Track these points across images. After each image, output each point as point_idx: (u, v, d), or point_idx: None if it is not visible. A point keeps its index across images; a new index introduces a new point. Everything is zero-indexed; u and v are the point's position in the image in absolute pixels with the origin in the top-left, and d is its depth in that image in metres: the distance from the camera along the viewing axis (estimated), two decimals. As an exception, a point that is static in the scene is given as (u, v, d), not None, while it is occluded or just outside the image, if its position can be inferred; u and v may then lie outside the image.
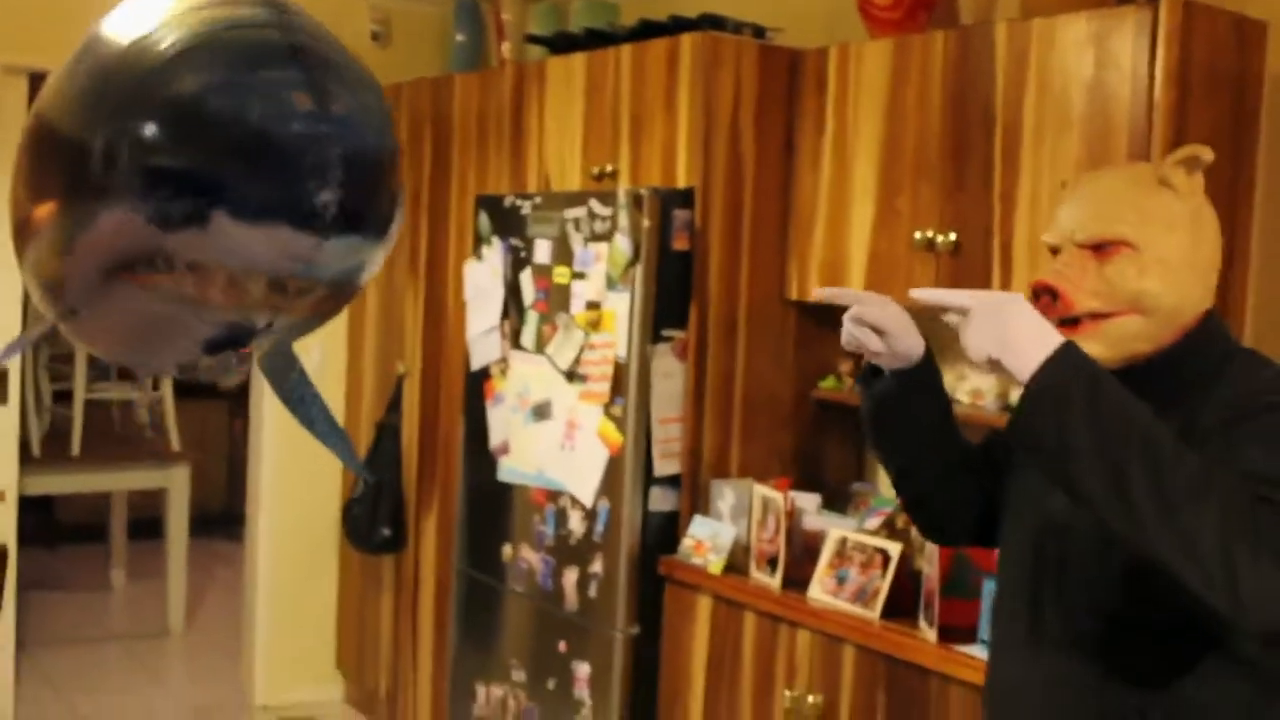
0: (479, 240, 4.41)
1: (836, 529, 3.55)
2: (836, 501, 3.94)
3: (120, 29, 1.38)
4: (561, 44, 4.44)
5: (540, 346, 4.09)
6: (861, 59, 3.69)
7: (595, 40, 4.26)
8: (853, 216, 3.71)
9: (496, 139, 4.63)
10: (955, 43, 3.44)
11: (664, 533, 3.84)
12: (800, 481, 3.92)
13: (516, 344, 4.20)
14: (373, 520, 5.07)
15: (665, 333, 3.82)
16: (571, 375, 3.97)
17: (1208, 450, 1.67)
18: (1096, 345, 1.86)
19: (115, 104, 1.29)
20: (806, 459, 4.08)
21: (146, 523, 7.44)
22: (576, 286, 3.96)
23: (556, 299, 4.05)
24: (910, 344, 2.02)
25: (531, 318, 4.14)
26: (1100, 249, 1.87)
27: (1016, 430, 1.65)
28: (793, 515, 3.62)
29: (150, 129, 1.25)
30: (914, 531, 3.43)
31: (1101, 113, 3.10)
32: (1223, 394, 1.81)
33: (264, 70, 1.26)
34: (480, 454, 4.39)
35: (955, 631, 3.11)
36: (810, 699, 3.35)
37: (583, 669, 3.91)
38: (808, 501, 3.74)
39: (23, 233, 1.54)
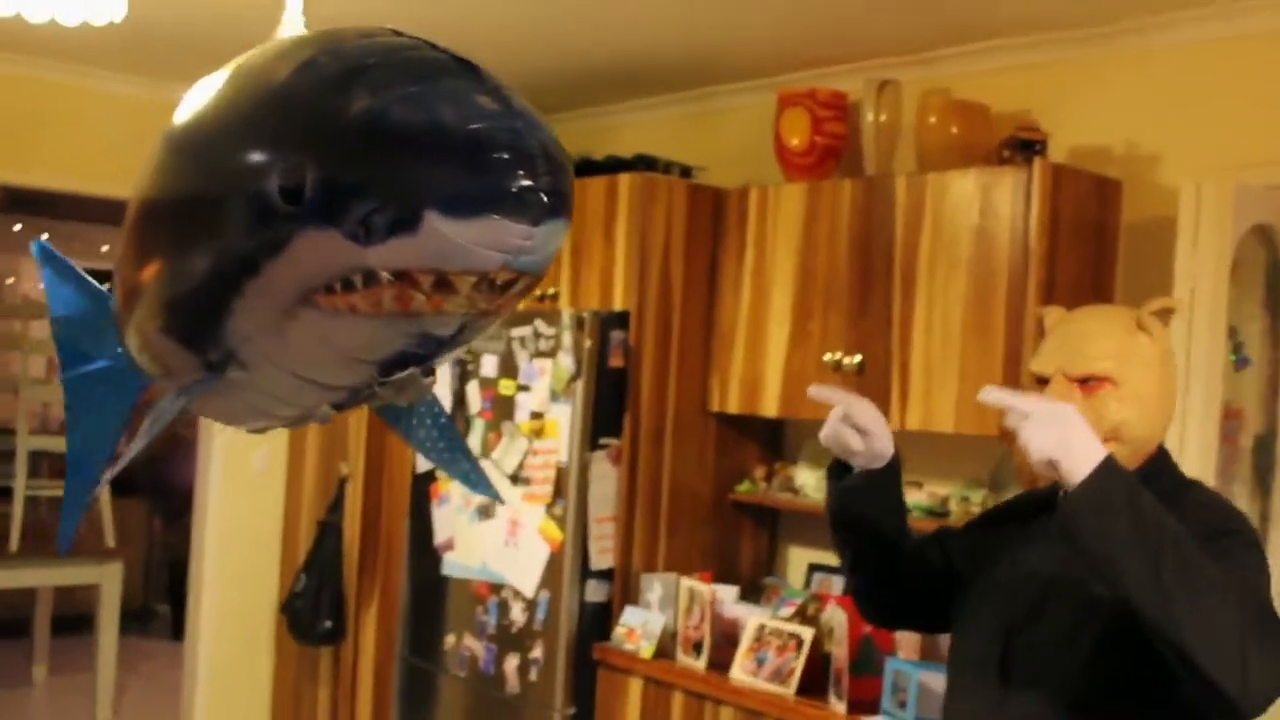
0: (426, 353, 4.81)
1: (754, 617, 3.98)
2: (750, 593, 4.37)
3: (261, 68, 1.41)
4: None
5: (486, 452, 4.49)
6: (779, 199, 4.20)
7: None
8: (769, 338, 4.19)
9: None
10: (861, 190, 3.96)
11: (598, 621, 4.25)
12: (719, 574, 4.35)
13: (462, 449, 4.60)
14: (315, 613, 5.38)
15: (602, 440, 4.25)
16: (515, 478, 4.37)
17: None
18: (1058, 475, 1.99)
19: (288, 133, 1.31)
20: (724, 554, 4.52)
21: (68, 619, 7.61)
22: (521, 398, 4.38)
23: (501, 409, 4.46)
24: (884, 445, 2.18)
25: (478, 425, 4.55)
26: (1086, 382, 2.05)
27: (1067, 522, 1.81)
28: (714, 605, 4.05)
29: (339, 148, 1.26)
30: (824, 617, 3.88)
31: (986, 255, 3.62)
32: (1199, 513, 1.97)
33: (439, 80, 1.28)
34: (424, 550, 4.76)
35: (862, 704, 3.54)
36: (734, 768, 3.76)
37: (523, 747, 4.27)
38: (727, 593, 4.17)
39: (139, 295, 1.56)
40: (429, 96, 1.24)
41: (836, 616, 3.68)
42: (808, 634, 3.79)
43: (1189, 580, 1.74)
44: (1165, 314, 2.14)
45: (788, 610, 4.05)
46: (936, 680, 3.45)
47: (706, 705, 3.88)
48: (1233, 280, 3.37)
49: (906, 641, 3.65)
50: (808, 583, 4.47)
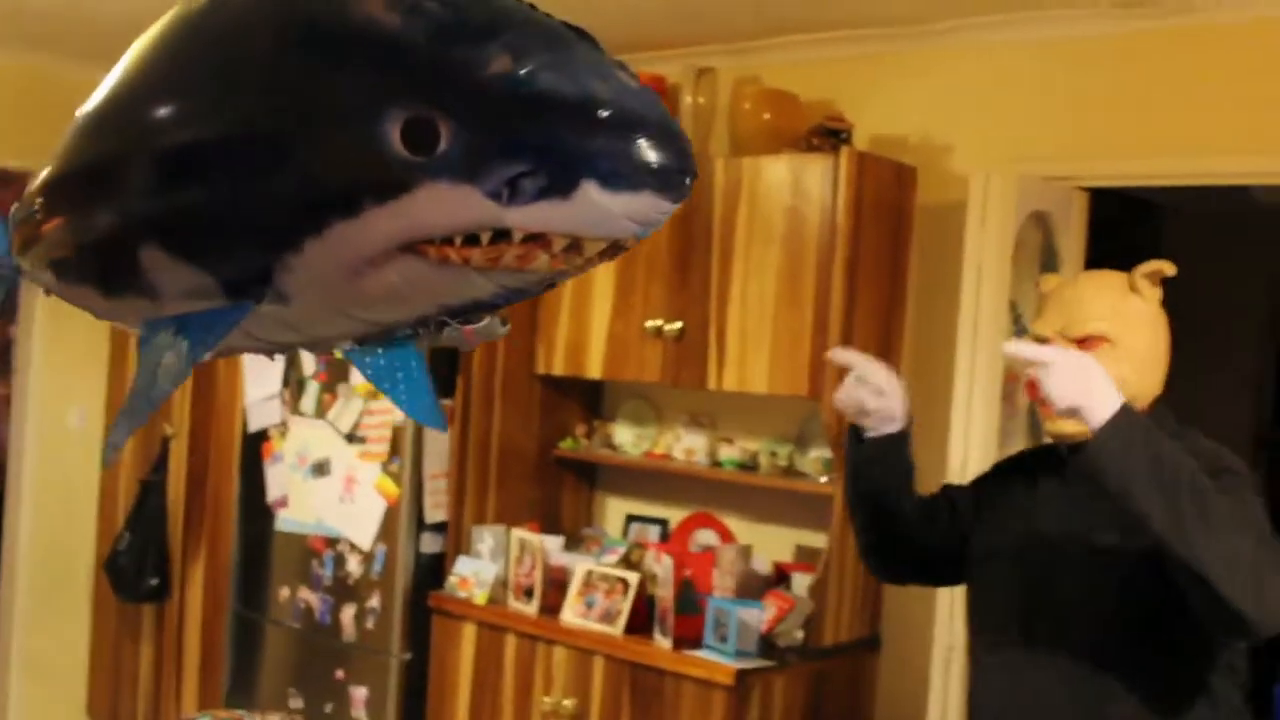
0: (256, 316, 4.97)
1: (582, 563, 4.30)
2: (573, 542, 4.68)
3: (366, 9, 1.33)
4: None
5: (321, 412, 4.69)
6: (603, 177, 4.48)
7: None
8: (594, 306, 4.49)
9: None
10: (681, 170, 4.28)
11: (433, 571, 4.51)
12: (544, 526, 4.65)
13: (296, 410, 4.79)
14: (139, 570, 5.48)
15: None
16: (351, 437, 4.59)
17: None
18: (1074, 422, 2.10)
19: (411, 79, 1.27)
20: (548, 506, 4.82)
21: None
22: (356, 360, 4.58)
23: (336, 370, 4.66)
24: (897, 405, 2.32)
25: (311, 387, 4.74)
26: (1084, 342, 2.17)
27: (1090, 463, 1.92)
28: (544, 554, 4.35)
29: (483, 105, 1.24)
30: (647, 560, 4.23)
31: (797, 232, 3.99)
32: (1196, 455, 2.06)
33: (573, 48, 1.28)
34: (256, 507, 4.93)
35: (685, 640, 3.90)
36: (566, 702, 4.07)
37: (360, 692, 4.51)
38: (553, 543, 4.48)
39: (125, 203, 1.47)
40: (572, 66, 1.25)
41: (661, 561, 4.02)
42: (634, 578, 4.12)
43: (1206, 513, 1.86)
44: (1156, 275, 2.22)
45: (611, 557, 4.38)
46: (752, 615, 3.83)
47: (539, 646, 4.18)
48: (1014, 260, 3.82)
49: (723, 583, 4.01)
50: (625, 532, 4.81)
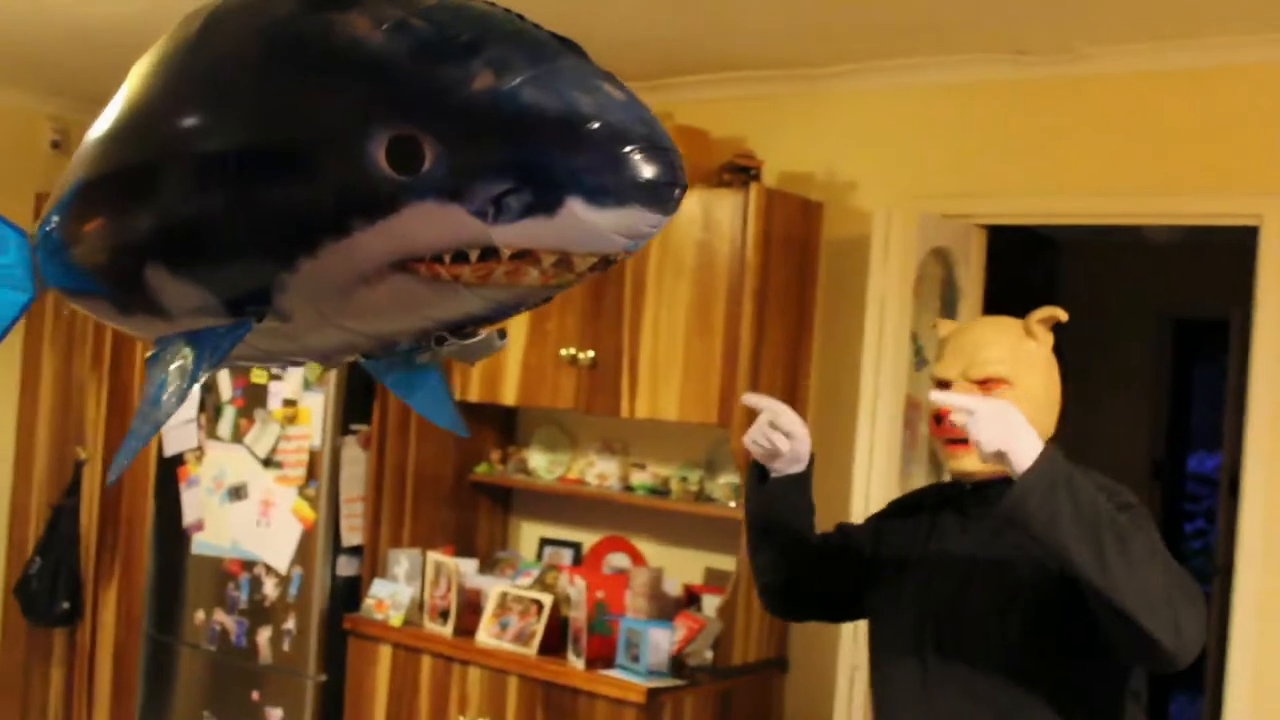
0: (174, 341, 5.01)
1: (497, 585, 4.39)
2: (487, 565, 4.77)
3: (329, 21, 1.34)
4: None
5: (238, 437, 4.74)
6: (519, 208, 4.59)
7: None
8: (509, 335, 4.58)
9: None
10: (596, 203, 4.40)
11: (349, 594, 4.57)
12: (459, 549, 4.74)
13: (213, 434, 4.83)
14: (51, 594, 5.48)
15: (353, 426, 4.57)
16: (268, 462, 4.64)
17: None
18: (976, 460, 2.17)
19: (395, 99, 1.27)
20: (463, 530, 4.91)
21: None
22: (274, 386, 4.65)
23: (253, 396, 4.71)
24: (805, 448, 2.37)
25: (229, 411, 4.79)
26: (985, 383, 2.23)
27: (1015, 507, 1.95)
28: (459, 576, 4.43)
29: (466, 124, 1.24)
30: (560, 583, 4.32)
31: (708, 265, 4.13)
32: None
33: (556, 61, 1.27)
34: (171, 531, 4.96)
35: (598, 661, 4.00)
36: (480, 722, 4.16)
37: (275, 714, 4.56)
38: (468, 565, 4.56)
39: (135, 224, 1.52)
40: (556, 80, 1.24)
41: (575, 584, 4.12)
42: (547, 599, 4.22)
43: (1126, 550, 1.92)
44: (1049, 321, 2.29)
45: (526, 580, 4.48)
46: (663, 636, 3.95)
47: (454, 667, 4.26)
48: (915, 294, 3.98)
49: (635, 604, 4.12)
50: (539, 555, 4.90)
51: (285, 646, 4.57)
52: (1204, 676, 5.98)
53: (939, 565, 2.30)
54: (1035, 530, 1.95)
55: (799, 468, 2.40)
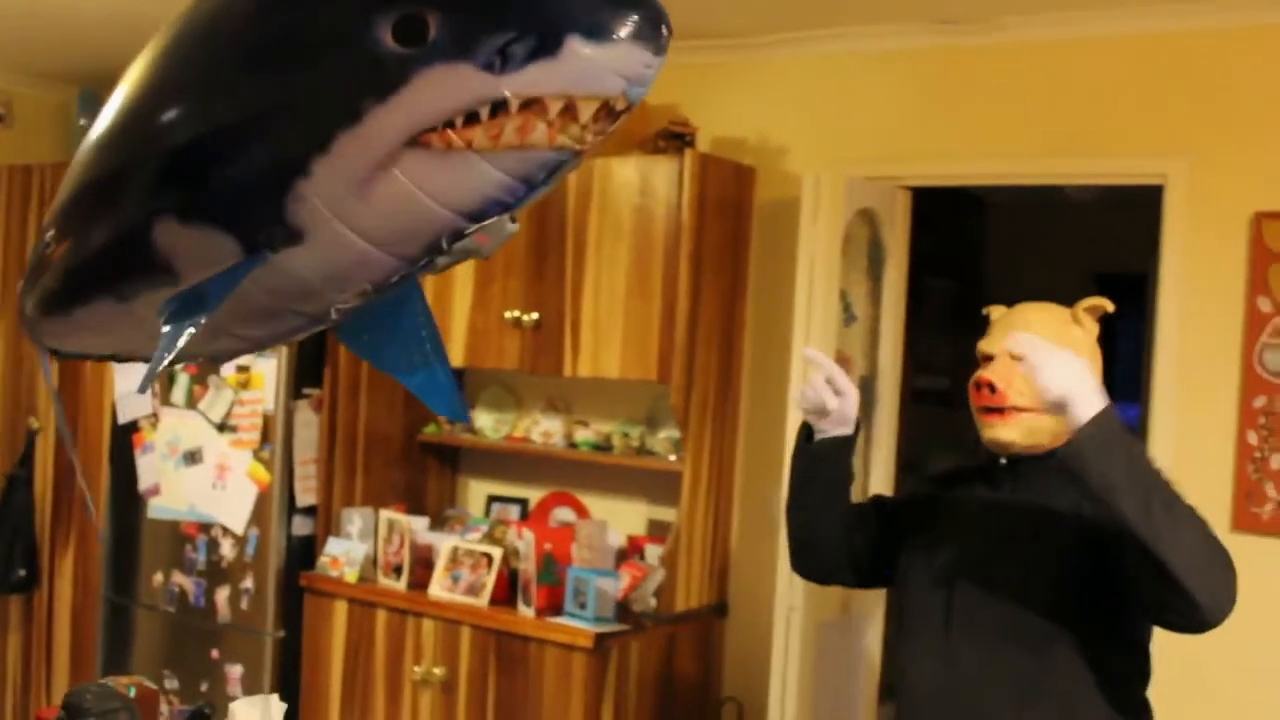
0: (125, 311, 5.12)
1: (448, 541, 4.55)
2: (437, 523, 4.94)
3: None
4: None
5: (191, 403, 4.86)
6: (462, 176, 4.74)
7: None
8: (455, 297, 4.74)
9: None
10: (537, 170, 4.55)
11: (305, 553, 4.73)
12: (410, 507, 4.90)
13: (166, 401, 4.95)
14: (7, 563, 5.58)
15: (305, 390, 4.71)
16: (223, 426, 4.78)
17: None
18: (1014, 431, 2.29)
19: None
20: (413, 489, 5.07)
21: None
22: (227, 352, 4.77)
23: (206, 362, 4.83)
24: (853, 409, 2.45)
25: (182, 379, 4.91)
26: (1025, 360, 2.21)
27: (1075, 455, 2.02)
28: (411, 533, 4.59)
29: None
30: (509, 537, 4.50)
31: (645, 228, 4.29)
32: None
33: None
34: (127, 496, 5.08)
35: (547, 609, 4.18)
36: (435, 670, 4.33)
37: (235, 670, 4.71)
38: (419, 523, 4.72)
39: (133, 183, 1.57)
40: None
41: (523, 537, 4.29)
42: (497, 553, 4.39)
43: (1172, 511, 2.01)
44: (1096, 310, 2.38)
45: (475, 535, 4.65)
46: (609, 584, 4.13)
47: (409, 619, 4.43)
48: (843, 253, 4.17)
49: (581, 555, 4.30)
50: (487, 511, 5.07)
51: (243, 605, 4.72)
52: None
53: (968, 538, 2.37)
54: (1091, 479, 2.01)
55: (845, 430, 2.48)
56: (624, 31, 1.32)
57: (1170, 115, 3.87)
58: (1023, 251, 6.69)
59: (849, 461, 2.54)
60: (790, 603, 4.11)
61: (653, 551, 4.43)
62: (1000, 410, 2.29)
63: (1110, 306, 2.39)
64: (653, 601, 4.24)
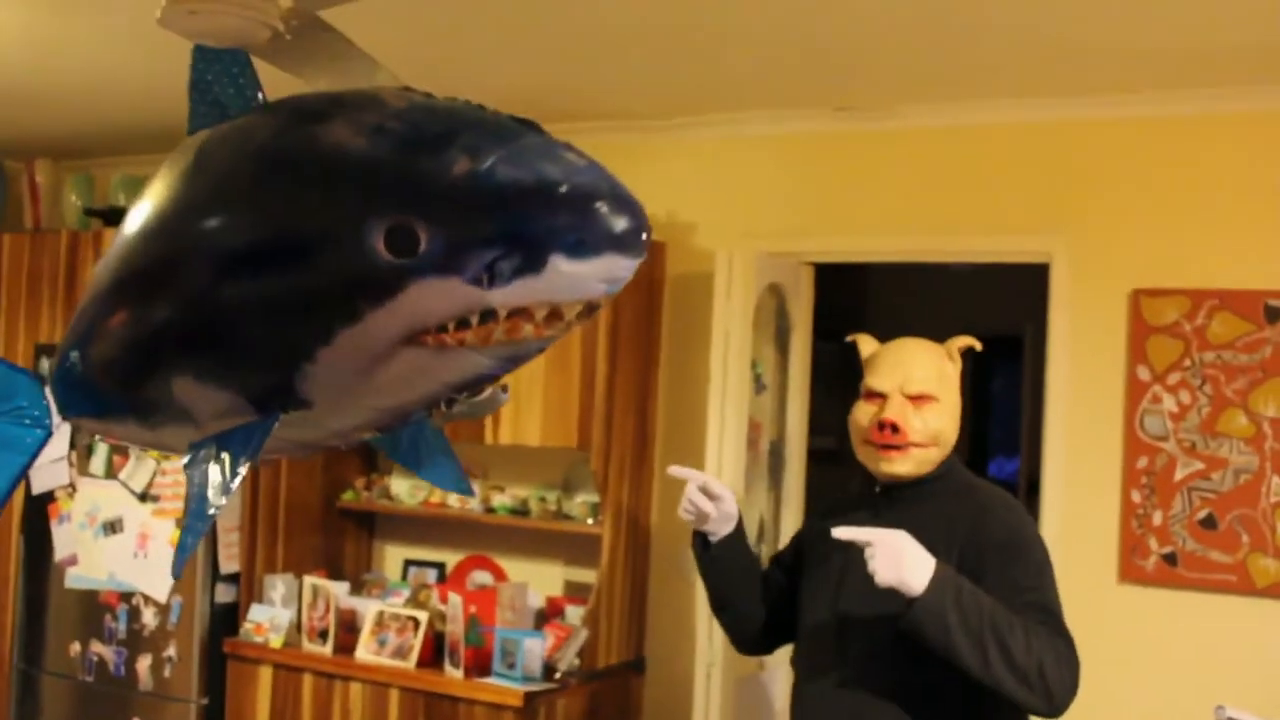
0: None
1: (373, 605, 4.67)
2: (356, 587, 5.05)
3: (311, 134, 1.51)
4: (115, 217, 5.31)
5: (111, 473, 4.92)
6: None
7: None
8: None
9: (51, 295, 5.40)
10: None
11: (228, 619, 4.80)
12: (329, 573, 5.01)
13: (85, 471, 5.00)
14: (-88, 634, 5.54)
15: (227, 459, 4.79)
16: (145, 496, 4.84)
17: (991, 560, 2.40)
18: (909, 464, 2.53)
19: (384, 192, 1.43)
20: (331, 555, 5.18)
21: None
22: (148, 423, 4.84)
23: (126, 433, 4.90)
24: (734, 507, 2.66)
25: (101, 449, 4.97)
26: (917, 399, 2.53)
27: (913, 628, 2.26)
28: (334, 598, 4.71)
29: (452, 205, 1.39)
30: (432, 601, 4.63)
31: (564, 302, 4.48)
32: (996, 516, 2.49)
33: (520, 139, 1.43)
34: (41, 566, 5.11)
35: (474, 670, 4.33)
36: (364, 733, 4.45)
37: (157, 737, 4.76)
38: (340, 588, 4.83)
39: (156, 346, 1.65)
40: (524, 155, 1.41)
41: (449, 600, 4.43)
42: (423, 616, 4.53)
43: (1004, 649, 2.27)
44: (964, 348, 2.64)
45: (397, 599, 4.78)
46: (536, 644, 4.30)
47: (336, 684, 4.54)
48: (754, 325, 4.41)
49: (504, 617, 4.45)
50: (404, 575, 5.20)
51: (166, 673, 4.77)
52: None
53: (855, 563, 2.46)
54: (930, 643, 2.27)
55: (729, 526, 2.68)
56: (607, 245, 1.39)
57: (1053, 198, 4.19)
58: (901, 314, 7.01)
59: (747, 553, 2.75)
60: (710, 659, 4.30)
61: (573, 612, 4.60)
62: (900, 447, 2.51)
63: (978, 345, 2.64)
64: (576, 660, 4.41)
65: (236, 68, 1.79)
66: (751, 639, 2.85)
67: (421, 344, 1.46)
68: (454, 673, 4.35)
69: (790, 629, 2.77)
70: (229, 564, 4.83)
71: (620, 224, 1.40)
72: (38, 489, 5.15)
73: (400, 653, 4.50)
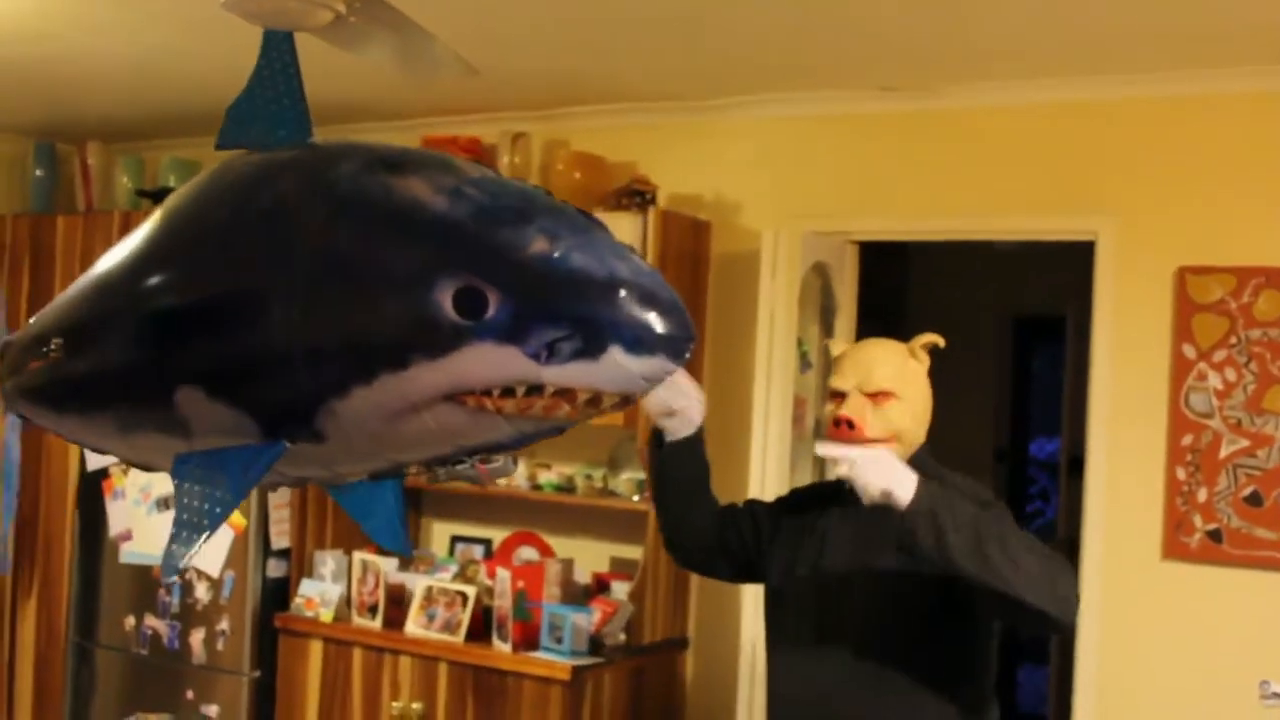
0: (92, 361, 5.25)
1: (419, 581, 4.74)
2: (403, 564, 5.11)
3: (395, 186, 1.54)
4: (166, 198, 5.37)
5: (164, 450, 5.00)
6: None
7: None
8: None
9: (103, 276, 5.47)
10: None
11: (280, 594, 4.88)
12: (378, 548, 5.07)
13: (138, 448, 5.08)
14: (-31, 608, 5.66)
15: (278, 436, 4.87)
16: (197, 472, 4.91)
17: None
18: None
19: (460, 254, 1.46)
20: (380, 533, 5.24)
21: None
22: (200, 401, 4.92)
23: (178, 411, 4.98)
24: (696, 412, 2.67)
25: (154, 426, 5.04)
26: (876, 396, 2.54)
27: (906, 536, 2.24)
28: (383, 573, 4.78)
29: (526, 279, 1.43)
30: (480, 576, 4.70)
31: (610, 281, 4.53)
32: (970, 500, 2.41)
33: (592, 232, 1.50)
34: (96, 542, 5.20)
35: (521, 644, 4.39)
36: (414, 705, 4.51)
37: (211, 710, 4.85)
38: (389, 563, 4.90)
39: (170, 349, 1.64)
40: (596, 248, 1.47)
41: (497, 575, 4.49)
42: (471, 591, 4.59)
43: (1004, 549, 2.24)
44: (929, 346, 2.63)
45: (445, 574, 4.84)
46: (583, 619, 4.35)
47: (385, 657, 4.61)
48: (799, 304, 4.45)
49: (550, 593, 4.52)
50: (451, 551, 5.27)
51: (219, 646, 4.86)
52: (1048, 648, 6.59)
53: (826, 555, 2.59)
54: (926, 552, 2.24)
55: (690, 430, 2.69)
56: (659, 347, 1.45)
57: (1099, 176, 4.21)
58: (942, 295, 7.03)
59: (700, 457, 2.74)
60: (754, 634, 4.35)
61: (619, 588, 4.66)
62: (849, 443, 2.48)
63: (941, 342, 2.63)
64: (622, 636, 4.47)
65: (289, 98, 1.81)
66: (681, 547, 2.84)
67: (460, 403, 1.50)
68: (502, 646, 4.41)
69: (727, 564, 2.82)
70: (280, 539, 4.91)
71: (675, 330, 1.47)
72: (92, 466, 5.24)
73: (449, 627, 4.56)
